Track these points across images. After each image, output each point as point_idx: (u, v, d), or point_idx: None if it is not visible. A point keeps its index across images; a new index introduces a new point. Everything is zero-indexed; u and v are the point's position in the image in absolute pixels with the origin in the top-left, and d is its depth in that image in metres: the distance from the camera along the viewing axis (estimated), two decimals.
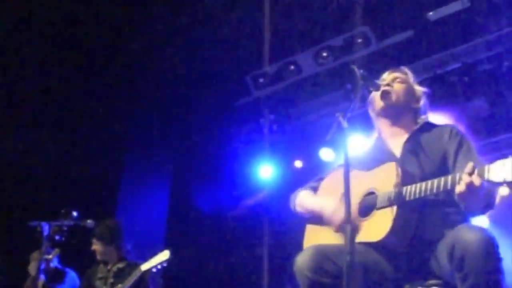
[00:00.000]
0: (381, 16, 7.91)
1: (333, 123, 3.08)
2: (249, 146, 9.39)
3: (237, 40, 8.57)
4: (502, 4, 7.26)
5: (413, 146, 3.47)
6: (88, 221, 6.07)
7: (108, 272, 6.21)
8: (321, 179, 3.78)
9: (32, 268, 6.80)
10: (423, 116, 3.70)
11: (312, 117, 8.92)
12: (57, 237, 6.03)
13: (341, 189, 3.01)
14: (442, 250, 3.02)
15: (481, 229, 2.86)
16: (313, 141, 8.40)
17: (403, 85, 3.65)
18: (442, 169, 3.32)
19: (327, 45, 8.28)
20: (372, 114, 3.77)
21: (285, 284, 8.49)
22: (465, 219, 3.22)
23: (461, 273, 2.79)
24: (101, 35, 8.25)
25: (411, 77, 3.74)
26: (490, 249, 2.78)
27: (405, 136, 3.56)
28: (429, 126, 3.63)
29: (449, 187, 3.00)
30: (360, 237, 3.13)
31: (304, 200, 3.71)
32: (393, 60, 7.77)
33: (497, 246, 2.81)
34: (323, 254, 3.08)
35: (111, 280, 6.11)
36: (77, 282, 6.99)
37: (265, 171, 9.15)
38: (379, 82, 3.48)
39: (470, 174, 2.89)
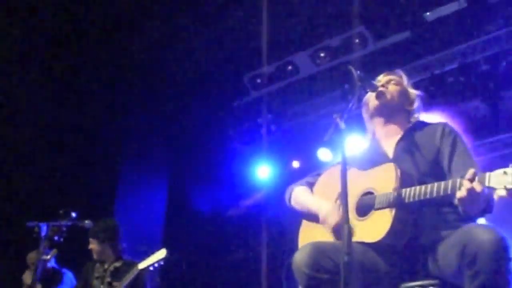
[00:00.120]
0: (379, 16, 7.93)
1: (331, 124, 3.10)
2: (247, 146, 9.41)
3: (235, 40, 8.58)
4: (499, 5, 7.28)
5: (406, 145, 3.49)
6: (86, 221, 6.07)
7: (105, 272, 6.21)
8: (319, 175, 3.79)
9: (27, 277, 6.77)
10: (415, 115, 3.72)
11: (310, 117, 8.94)
12: (56, 238, 6.03)
13: (338, 187, 3.02)
14: (445, 251, 3.04)
15: (494, 229, 2.88)
16: (311, 141, 8.42)
17: (397, 87, 3.68)
18: (436, 167, 3.34)
19: (325, 46, 8.30)
20: (365, 115, 3.79)
21: (282, 283, 8.50)
22: (463, 220, 3.24)
23: (472, 271, 2.80)
24: (98, 35, 8.26)
25: (405, 80, 3.77)
26: (502, 249, 2.80)
27: (398, 136, 3.58)
28: (422, 124, 3.66)
29: (449, 191, 3.02)
30: (358, 237, 3.14)
31: (300, 197, 3.72)
32: (390, 61, 7.80)
33: (509, 247, 2.83)
34: (320, 251, 3.09)
35: (108, 279, 6.11)
36: (74, 282, 6.99)
37: (263, 171, 9.17)
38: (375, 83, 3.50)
39: (471, 180, 2.92)
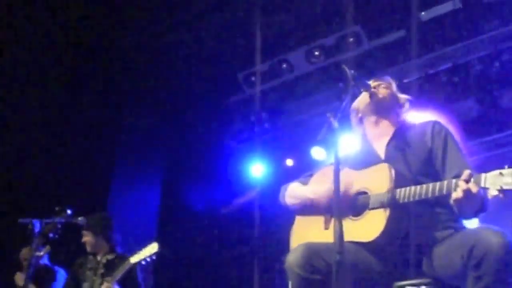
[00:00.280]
0: (373, 15, 7.94)
1: (325, 123, 3.10)
2: (241, 144, 9.41)
3: (230, 38, 8.58)
4: (493, 5, 7.30)
5: (397, 145, 3.50)
6: (80, 218, 6.08)
7: (97, 263, 6.21)
8: (311, 175, 3.80)
9: (18, 278, 6.74)
10: (405, 115, 3.75)
11: (304, 115, 8.94)
12: (51, 235, 6.03)
13: (332, 186, 3.03)
14: (445, 251, 3.06)
15: (503, 233, 2.89)
16: (305, 139, 8.42)
17: (387, 90, 3.70)
18: (428, 166, 3.36)
19: (319, 44, 8.30)
20: (354, 120, 3.80)
21: (275, 280, 8.51)
22: (456, 220, 3.26)
23: (477, 273, 2.81)
24: (92, 33, 8.24)
25: (394, 86, 3.77)
26: (510, 254, 2.81)
27: (389, 136, 3.59)
28: (412, 124, 3.69)
29: (444, 192, 3.04)
30: (352, 236, 3.14)
31: (295, 190, 3.72)
32: (384, 60, 7.81)
33: None
34: (313, 251, 3.10)
35: (102, 271, 6.11)
36: None
37: (257, 169, 9.16)
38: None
39: (467, 181, 2.93)
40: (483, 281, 2.80)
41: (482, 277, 2.80)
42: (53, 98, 8.43)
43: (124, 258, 5.93)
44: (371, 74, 3.80)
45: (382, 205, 3.18)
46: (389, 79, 3.79)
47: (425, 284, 3.11)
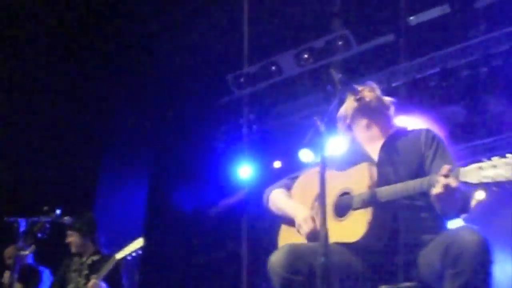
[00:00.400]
0: (362, 19, 7.96)
1: (311, 127, 3.11)
2: (229, 145, 9.40)
3: (219, 39, 8.58)
4: (482, 11, 7.34)
5: (390, 151, 3.51)
6: (65, 217, 6.06)
7: (82, 265, 6.19)
8: (296, 177, 3.81)
9: (7, 278, 6.70)
10: (395, 120, 3.76)
11: (292, 118, 8.96)
12: (39, 234, 6.01)
13: (315, 189, 3.04)
14: (427, 254, 3.07)
15: (478, 231, 2.92)
16: (293, 142, 8.41)
17: (372, 93, 3.71)
18: (421, 173, 3.36)
19: (308, 47, 8.31)
20: (342, 127, 3.81)
21: (262, 282, 8.51)
22: (442, 225, 3.28)
23: (454, 271, 2.84)
24: (80, 33, 8.21)
25: (378, 90, 3.79)
26: (485, 251, 2.84)
27: (381, 141, 3.59)
28: (404, 130, 3.70)
29: (425, 188, 3.05)
30: (336, 237, 3.14)
31: (277, 201, 3.74)
32: (373, 64, 7.83)
33: (491, 250, 2.87)
34: (296, 253, 3.11)
35: (86, 272, 6.09)
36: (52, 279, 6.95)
37: (244, 171, 9.16)
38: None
39: (446, 176, 2.95)
40: (460, 279, 2.82)
41: (459, 275, 2.82)
42: (39, 98, 8.40)
43: (109, 257, 5.92)
44: (360, 78, 3.82)
45: (364, 204, 3.19)
46: (372, 83, 3.80)
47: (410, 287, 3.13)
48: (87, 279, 5.97)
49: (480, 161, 2.94)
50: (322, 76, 8.14)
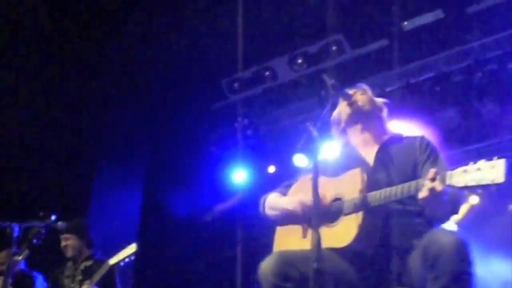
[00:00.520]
0: (356, 24, 7.98)
1: (304, 133, 3.12)
2: (223, 150, 9.40)
3: (214, 44, 8.58)
4: (475, 16, 7.36)
5: (384, 157, 3.52)
6: (59, 223, 6.04)
7: (76, 270, 6.18)
8: (290, 185, 3.81)
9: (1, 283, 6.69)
10: (389, 124, 3.77)
11: (286, 123, 8.97)
12: (34, 240, 5.99)
13: (308, 196, 3.04)
14: (415, 258, 3.07)
15: (456, 233, 2.95)
16: (287, 147, 8.43)
17: (364, 96, 3.71)
18: (412, 179, 3.36)
19: (302, 52, 8.32)
20: (336, 132, 3.81)
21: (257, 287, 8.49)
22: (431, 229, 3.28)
23: (433, 273, 2.85)
24: (75, 36, 8.21)
25: (369, 91, 3.79)
26: (463, 252, 2.85)
27: (376, 146, 3.60)
28: (400, 136, 3.71)
29: (412, 192, 3.07)
30: (327, 243, 3.14)
31: (273, 201, 3.74)
32: (367, 69, 7.85)
33: (470, 251, 2.89)
34: (287, 260, 3.12)
35: (80, 278, 6.08)
36: (46, 285, 6.92)
37: (239, 176, 9.16)
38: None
39: (433, 179, 2.96)
40: (440, 282, 2.83)
41: (439, 278, 2.83)
42: (33, 102, 8.39)
43: (102, 263, 5.91)
44: (353, 83, 3.82)
45: (355, 209, 3.20)
46: (363, 85, 3.81)
47: None
48: (81, 284, 5.97)
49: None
50: (316, 81, 8.15)
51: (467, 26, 7.49)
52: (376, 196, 3.17)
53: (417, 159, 3.46)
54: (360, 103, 3.65)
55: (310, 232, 3.16)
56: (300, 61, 8.33)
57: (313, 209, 2.92)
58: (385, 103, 3.82)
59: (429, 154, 3.45)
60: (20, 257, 6.26)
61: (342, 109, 3.70)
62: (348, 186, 3.31)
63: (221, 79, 9.01)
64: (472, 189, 2.89)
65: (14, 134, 8.30)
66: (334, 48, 7.99)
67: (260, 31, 8.29)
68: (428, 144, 3.53)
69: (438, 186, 2.95)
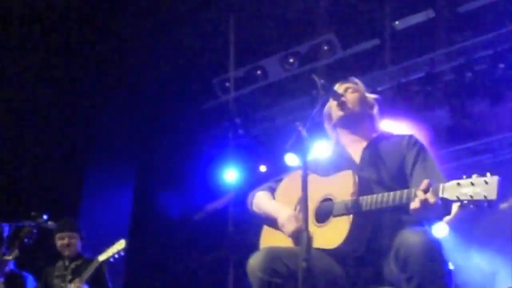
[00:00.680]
0: (348, 24, 7.99)
1: (293, 133, 3.11)
2: (215, 149, 9.40)
3: (205, 43, 8.58)
4: (466, 16, 7.39)
5: (372, 154, 3.50)
6: (49, 222, 6.03)
7: (66, 270, 6.16)
8: (281, 180, 3.80)
9: None
10: (379, 122, 3.76)
11: (277, 122, 8.99)
12: (26, 240, 5.97)
13: (298, 193, 3.04)
14: (391, 259, 3.07)
15: (424, 232, 2.94)
16: (279, 146, 8.42)
17: (355, 94, 3.68)
18: (400, 178, 3.35)
19: (294, 51, 8.34)
20: (328, 126, 3.79)
21: (248, 285, 8.49)
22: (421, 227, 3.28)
23: (406, 275, 2.86)
24: (65, 37, 8.18)
25: (361, 86, 3.77)
26: (433, 251, 2.84)
27: (364, 143, 3.59)
28: (388, 134, 3.69)
29: (404, 201, 3.04)
30: (316, 243, 3.13)
31: (261, 202, 3.73)
32: (358, 68, 7.86)
33: (441, 248, 2.88)
34: (275, 255, 3.13)
35: (70, 277, 6.06)
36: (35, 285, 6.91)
37: (230, 175, 9.16)
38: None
39: (425, 191, 2.94)
40: (412, 283, 2.84)
41: (411, 280, 2.84)
42: (23, 105, 8.36)
43: (92, 261, 5.90)
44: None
45: (345, 212, 3.19)
46: (355, 80, 3.78)
47: None
48: (71, 283, 5.95)
49: (464, 166, 2.96)
50: (308, 80, 8.16)
51: (458, 26, 7.52)
52: (367, 200, 3.15)
53: (404, 155, 3.44)
54: (350, 105, 3.63)
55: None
56: (291, 60, 8.35)
57: (302, 209, 2.91)
58: (376, 100, 3.80)
59: (418, 152, 3.41)
60: (10, 257, 6.23)
61: (332, 110, 3.69)
62: (339, 188, 3.30)
63: (212, 78, 9.01)
64: (464, 205, 2.87)
65: (4, 135, 8.27)
66: (325, 47, 8.02)
67: (252, 30, 8.30)
68: (416, 142, 3.49)
69: (430, 198, 2.91)
